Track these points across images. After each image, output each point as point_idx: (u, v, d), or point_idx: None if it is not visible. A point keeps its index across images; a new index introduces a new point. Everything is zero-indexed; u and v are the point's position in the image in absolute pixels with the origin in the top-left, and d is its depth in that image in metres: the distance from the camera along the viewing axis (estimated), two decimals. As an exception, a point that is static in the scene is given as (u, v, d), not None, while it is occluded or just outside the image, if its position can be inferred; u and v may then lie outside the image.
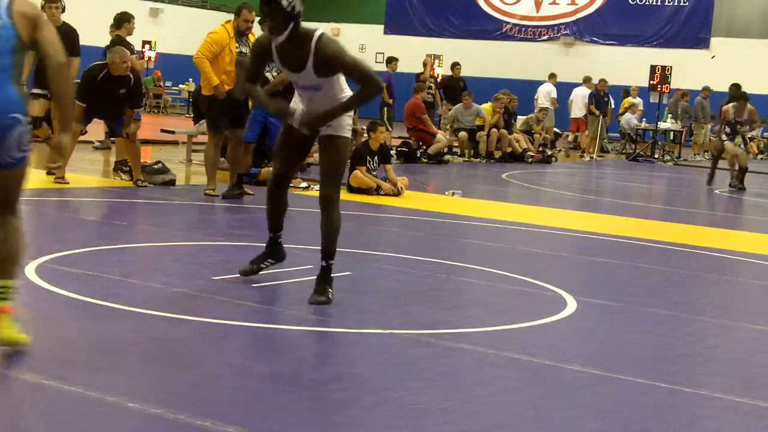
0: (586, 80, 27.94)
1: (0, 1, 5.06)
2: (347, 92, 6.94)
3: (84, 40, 15.68)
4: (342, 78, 6.92)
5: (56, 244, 8.29)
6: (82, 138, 14.57)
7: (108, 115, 12.84)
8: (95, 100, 12.29)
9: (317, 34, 6.65)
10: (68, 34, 12.76)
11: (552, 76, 28.06)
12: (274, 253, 7.59)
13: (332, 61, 6.67)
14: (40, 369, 4.90)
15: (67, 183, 12.16)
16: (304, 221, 11.38)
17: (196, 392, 4.82)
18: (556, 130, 27.49)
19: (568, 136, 28.58)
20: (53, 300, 6.46)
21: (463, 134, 22.27)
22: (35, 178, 12.59)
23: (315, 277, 7.03)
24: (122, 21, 13.61)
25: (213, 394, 4.79)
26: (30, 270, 7.06)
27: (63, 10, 13.16)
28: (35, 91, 13.14)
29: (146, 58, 29.46)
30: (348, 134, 7.14)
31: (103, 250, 8.23)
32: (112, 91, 12.27)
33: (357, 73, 6.73)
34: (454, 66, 24.60)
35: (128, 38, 14.12)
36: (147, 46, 30.78)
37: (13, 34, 5.02)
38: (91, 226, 9.79)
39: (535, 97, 27.51)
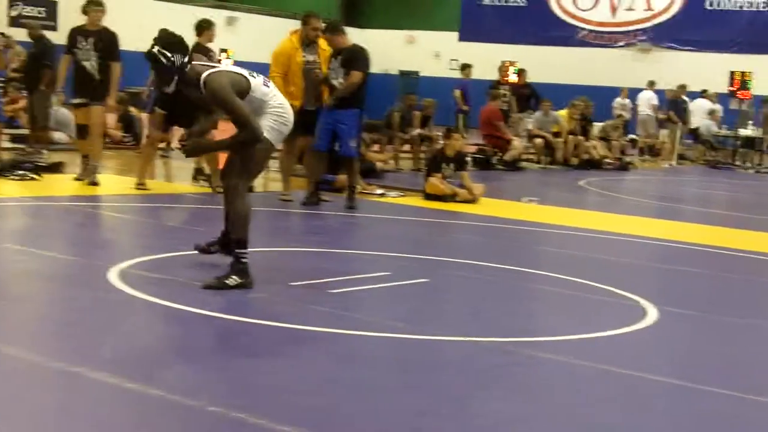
0: (651, 84, 27.64)
1: None
2: (271, 108, 7.22)
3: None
4: (262, 90, 7.21)
5: (138, 249, 8.39)
6: (161, 145, 14.74)
7: (187, 122, 12.87)
8: (174, 106, 12.35)
9: (203, 75, 7.03)
10: (107, 39, 12.78)
11: (651, 83, 27.76)
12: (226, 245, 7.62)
13: (214, 99, 7.08)
14: (122, 372, 4.94)
15: (148, 189, 12.30)
16: (380, 228, 11.40)
17: (275, 398, 4.82)
18: (632, 136, 27.24)
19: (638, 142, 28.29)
20: (135, 304, 6.52)
21: (539, 141, 22.16)
22: (117, 184, 12.76)
23: (394, 284, 7.04)
24: (202, 28, 13.70)
25: (292, 400, 4.80)
26: (113, 275, 7.15)
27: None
28: (74, 101, 13.05)
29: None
30: (268, 134, 7.21)
31: (182, 255, 8.29)
32: (190, 96, 12.32)
33: (234, 114, 7.07)
34: (520, 73, 24.50)
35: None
36: (224, 54, 31.06)
37: None
38: (171, 232, 9.87)
39: (636, 104, 27.26)
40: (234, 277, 7.05)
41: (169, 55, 7.05)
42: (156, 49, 7.08)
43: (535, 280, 8.55)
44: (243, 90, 7.11)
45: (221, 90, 6.98)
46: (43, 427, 4.29)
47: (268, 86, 7.33)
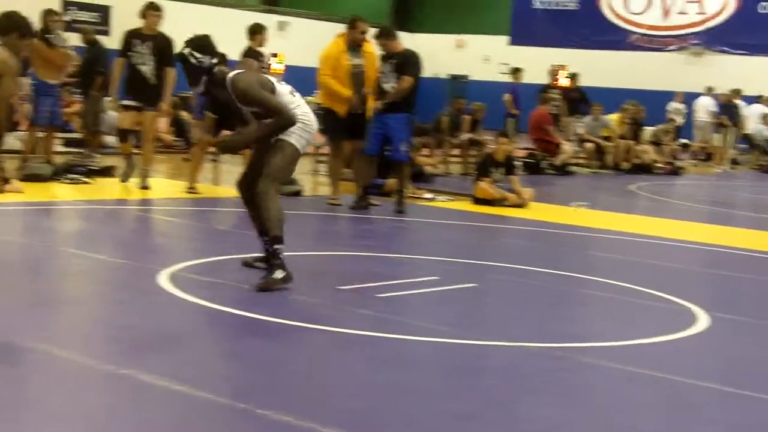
0: (709, 90, 27.42)
1: None
2: (300, 116, 7.41)
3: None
4: (287, 98, 7.45)
5: (188, 252, 8.45)
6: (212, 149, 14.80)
7: (237, 126, 12.87)
8: (225, 110, 12.41)
9: (229, 76, 7.30)
10: (163, 44, 12.83)
11: (709, 89, 27.54)
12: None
13: (244, 97, 7.33)
14: (172, 375, 4.98)
15: (199, 193, 12.39)
16: (429, 232, 11.41)
17: (321, 401, 4.84)
18: (683, 140, 27.03)
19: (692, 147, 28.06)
20: (184, 307, 6.57)
21: (589, 145, 22.06)
22: (168, 188, 12.86)
23: (442, 288, 7.04)
24: (254, 32, 13.78)
25: (338, 404, 4.82)
26: (163, 278, 7.21)
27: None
28: (126, 102, 12.97)
29: (273, 70, 29.82)
30: (294, 141, 7.41)
31: (232, 259, 8.33)
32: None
33: (266, 107, 7.34)
34: (572, 77, 24.38)
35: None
36: (275, 59, 31.18)
37: None
38: (222, 236, 9.94)
39: (693, 109, 27.06)
40: (278, 271, 7.19)
41: (198, 56, 7.33)
42: (187, 50, 7.35)
43: (583, 285, 8.51)
44: (268, 91, 7.38)
45: (249, 86, 7.28)
46: (94, 428, 4.33)
47: (294, 95, 7.56)
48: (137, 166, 12.88)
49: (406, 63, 12.19)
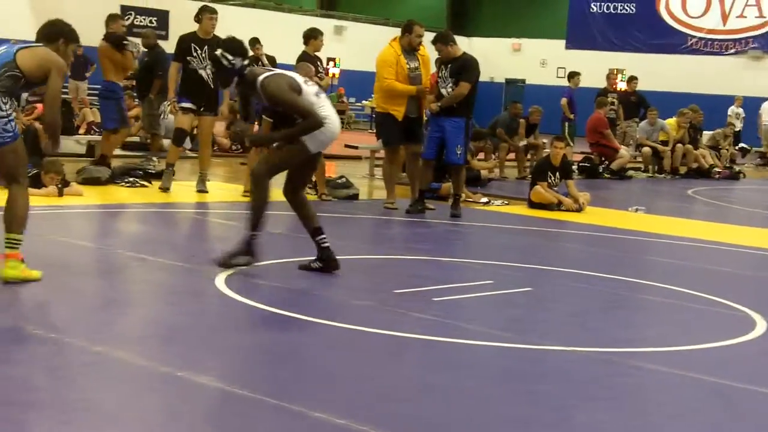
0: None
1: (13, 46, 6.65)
2: (323, 116, 7.75)
3: (277, 58, 16.16)
4: (312, 99, 7.76)
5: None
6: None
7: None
8: (279, 115, 12.45)
9: (260, 78, 7.65)
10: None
11: None
12: (323, 258, 8.01)
13: (273, 100, 7.73)
14: (228, 378, 5.02)
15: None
16: (484, 236, 11.39)
17: (378, 405, 4.86)
18: (743, 145, 26.77)
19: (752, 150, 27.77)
20: (241, 310, 6.62)
21: (647, 150, 21.91)
22: (225, 192, 12.94)
23: (498, 292, 7.03)
24: (309, 37, 13.82)
25: (394, 408, 4.82)
26: (219, 280, 7.26)
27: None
28: (184, 105, 12.89)
29: (330, 75, 29.95)
30: (306, 140, 7.80)
31: (288, 262, 8.38)
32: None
33: (295, 109, 7.73)
34: (631, 80, 24.20)
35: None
36: (331, 63, 31.28)
37: (10, 63, 6.53)
38: (277, 239, 9.97)
39: (759, 113, 26.80)
40: (242, 258, 7.71)
41: (230, 57, 7.70)
42: (219, 52, 7.71)
43: (641, 290, 8.46)
44: (296, 92, 7.71)
45: (279, 90, 7.63)
46: (150, 430, 4.37)
47: (319, 96, 7.87)
48: (196, 171, 12.97)
49: (464, 68, 12.19)
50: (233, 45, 7.75)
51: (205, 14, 12.97)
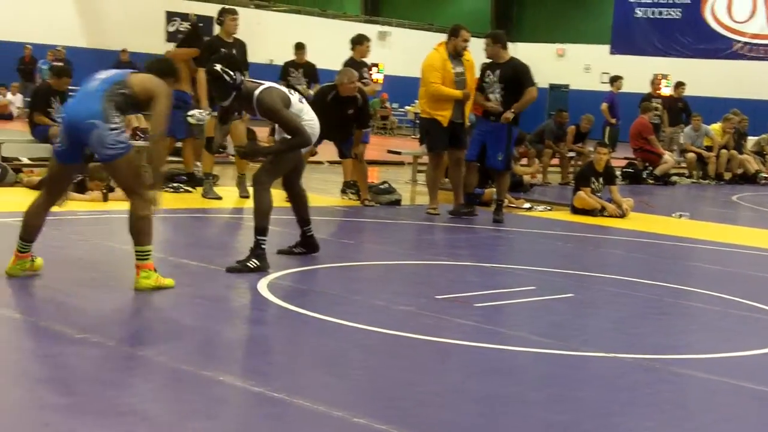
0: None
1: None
2: (304, 121, 8.19)
3: (322, 63, 16.21)
4: (297, 107, 8.22)
5: (286, 261, 8.53)
6: (312, 159, 14.94)
7: (337, 136, 12.94)
8: (325, 120, 12.48)
9: (256, 93, 8.00)
10: (242, 50, 12.78)
11: None
12: (306, 245, 8.80)
13: (268, 114, 8.09)
14: (269, 382, 5.05)
15: (297, 202, 12.49)
16: (527, 242, 11.37)
17: (419, 410, 4.87)
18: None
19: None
20: (283, 316, 6.66)
21: (691, 155, 21.78)
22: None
23: (540, 298, 7.02)
24: (355, 43, 13.87)
25: (435, 413, 4.84)
26: (262, 286, 7.31)
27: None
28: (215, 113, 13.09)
29: (374, 80, 29.99)
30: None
31: (330, 267, 8.42)
32: (340, 111, 12.51)
33: (287, 125, 8.14)
34: (678, 86, 24.06)
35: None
36: (375, 68, 31.32)
37: (123, 82, 6.83)
38: (320, 245, 10.01)
39: None
40: (254, 260, 7.89)
41: (231, 73, 8.04)
42: (219, 67, 8.03)
43: (683, 296, 8.43)
44: (287, 104, 8.14)
45: (273, 105, 8.01)
46: (194, 432, 4.42)
47: (302, 103, 8.37)
48: (237, 177, 13.05)
49: (522, 74, 12.22)
50: (232, 60, 8.21)
51: (227, 16, 12.83)
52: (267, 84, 8.22)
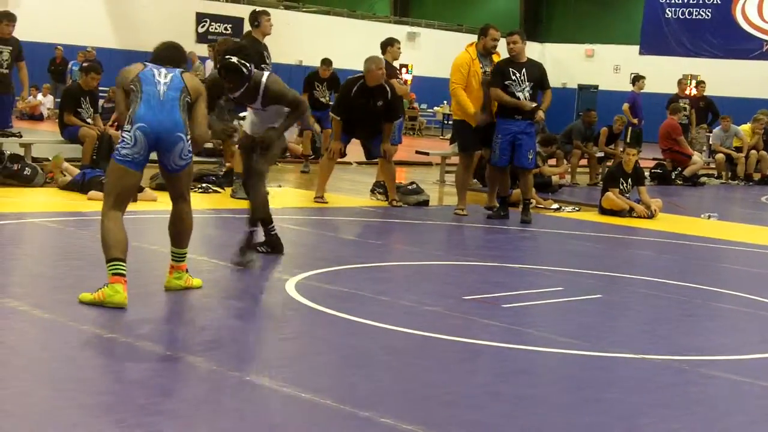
0: None
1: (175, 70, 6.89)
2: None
3: (351, 65, 16.20)
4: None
5: (314, 261, 8.56)
6: (341, 160, 14.96)
7: (364, 132, 12.84)
8: (352, 113, 12.43)
9: (263, 80, 8.07)
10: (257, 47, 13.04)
11: None
12: (271, 244, 8.70)
13: (276, 97, 8.12)
14: (296, 381, 5.06)
15: (326, 203, 12.53)
16: (554, 243, 11.35)
17: (446, 411, 4.87)
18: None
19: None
20: (311, 316, 6.66)
21: (720, 156, 21.68)
22: (296, 197, 13.03)
23: (568, 299, 7.01)
24: (386, 45, 13.90)
25: (464, 415, 4.83)
26: (290, 286, 7.33)
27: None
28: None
29: (404, 81, 30.02)
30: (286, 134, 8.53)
31: (358, 268, 8.43)
32: (368, 104, 12.39)
33: (294, 101, 8.19)
34: (698, 84, 23.93)
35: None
36: (404, 69, 31.35)
37: (185, 88, 6.79)
38: (348, 245, 10.04)
39: None
40: (251, 252, 8.12)
41: (248, 65, 7.97)
42: (236, 59, 7.90)
43: (712, 298, 8.39)
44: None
45: (283, 88, 8.13)
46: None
47: None
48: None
49: (544, 75, 12.24)
50: (246, 52, 8.07)
51: (263, 17, 13.03)
52: (266, 71, 8.41)
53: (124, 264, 6.47)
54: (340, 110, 12.57)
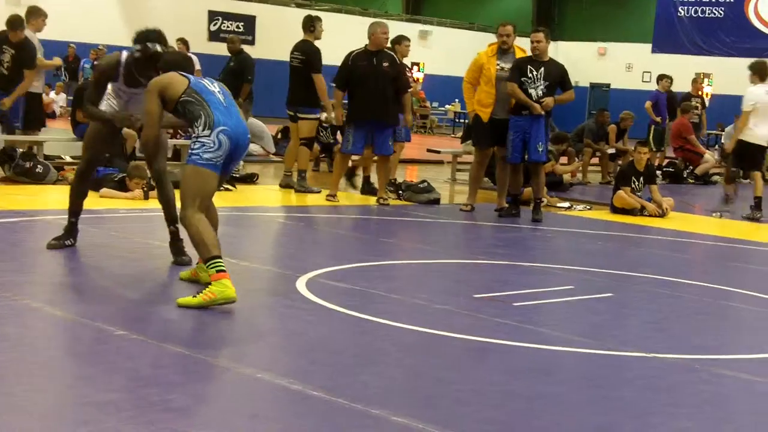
0: None
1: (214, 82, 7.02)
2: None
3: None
4: None
5: (326, 259, 8.57)
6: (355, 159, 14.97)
7: (376, 106, 12.28)
8: (357, 84, 12.36)
9: None
10: (310, 51, 13.33)
11: None
12: (73, 233, 8.10)
13: None
14: (308, 380, 5.07)
15: (338, 201, 12.53)
16: (566, 241, 11.33)
17: (457, 409, 4.87)
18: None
19: None
20: (321, 313, 6.67)
21: (732, 154, 21.60)
22: (308, 196, 13.03)
23: (579, 298, 7.00)
24: (395, 43, 13.92)
25: (475, 413, 4.84)
26: (300, 284, 7.33)
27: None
28: (304, 116, 13.29)
29: (415, 79, 30.02)
30: None
31: (369, 266, 8.43)
32: (371, 64, 12.26)
33: None
34: (694, 81, 23.83)
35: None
36: (415, 68, 31.33)
37: (227, 91, 7.02)
38: (359, 243, 10.04)
39: None
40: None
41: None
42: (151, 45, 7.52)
43: (724, 297, 8.37)
44: None
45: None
46: (231, 429, 4.43)
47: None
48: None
49: (564, 75, 12.25)
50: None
51: (318, 23, 13.50)
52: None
53: (222, 260, 6.59)
54: (341, 80, 12.53)
